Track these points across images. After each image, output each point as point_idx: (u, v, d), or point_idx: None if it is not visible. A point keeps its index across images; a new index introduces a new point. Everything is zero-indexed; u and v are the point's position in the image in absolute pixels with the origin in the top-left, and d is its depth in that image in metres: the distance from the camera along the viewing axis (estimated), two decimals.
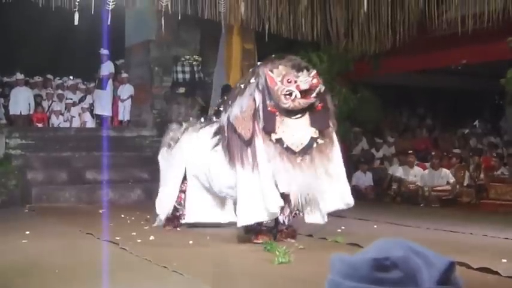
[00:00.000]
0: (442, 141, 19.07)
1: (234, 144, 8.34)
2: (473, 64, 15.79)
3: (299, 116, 8.27)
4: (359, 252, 1.18)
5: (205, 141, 9.32)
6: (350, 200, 8.46)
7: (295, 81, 8.09)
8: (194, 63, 17.67)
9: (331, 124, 8.51)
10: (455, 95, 21.09)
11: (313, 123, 8.30)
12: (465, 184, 14.93)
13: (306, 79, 8.12)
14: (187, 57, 17.80)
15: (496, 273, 6.31)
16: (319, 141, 8.28)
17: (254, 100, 8.31)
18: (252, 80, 8.40)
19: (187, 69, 17.59)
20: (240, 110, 8.29)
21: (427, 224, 10.41)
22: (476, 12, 13.78)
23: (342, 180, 8.48)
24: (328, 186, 8.28)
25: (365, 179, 16.00)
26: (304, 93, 8.10)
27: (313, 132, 8.27)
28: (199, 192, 9.76)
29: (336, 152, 8.49)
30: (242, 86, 8.49)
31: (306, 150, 8.21)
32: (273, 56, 8.73)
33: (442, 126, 21.07)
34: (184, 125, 10.37)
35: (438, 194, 14.37)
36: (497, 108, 21.23)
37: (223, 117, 8.66)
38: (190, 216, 9.82)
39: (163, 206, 9.95)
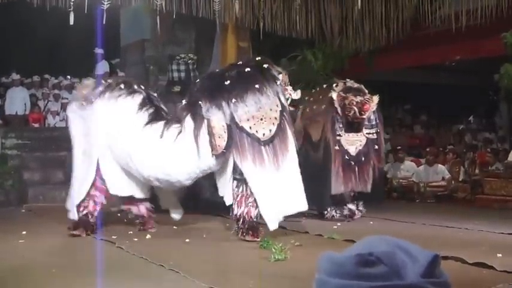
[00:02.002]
0: (438, 137, 19.15)
1: (245, 145, 8.34)
2: (467, 60, 15.84)
3: None
4: (345, 250, 1.21)
5: (128, 115, 8.90)
6: None
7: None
8: (189, 61, 17.65)
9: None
10: (450, 91, 21.12)
11: None
12: (460, 179, 14.99)
13: (297, 91, 9.01)
14: (183, 55, 17.77)
15: (491, 267, 6.36)
16: None
17: (280, 100, 8.54)
18: (278, 82, 8.65)
19: (182, 67, 17.57)
20: (255, 108, 8.37)
21: (423, 219, 10.45)
22: (470, 9, 13.83)
23: None
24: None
25: None
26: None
27: None
28: (114, 164, 9.15)
29: None
30: (257, 86, 8.47)
31: None
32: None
33: (437, 122, 21.13)
34: (101, 87, 9.37)
35: (433, 190, 14.42)
36: (492, 104, 21.29)
37: (216, 113, 8.43)
38: (113, 187, 9.23)
39: (76, 188, 9.23)
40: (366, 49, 16.36)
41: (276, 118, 8.44)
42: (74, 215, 9.02)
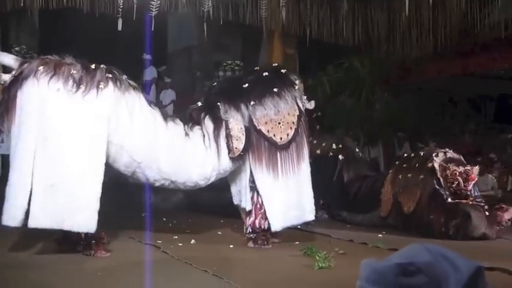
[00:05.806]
0: (485, 146, 18.88)
1: (261, 148, 8.39)
2: None
3: None
4: (387, 258, 1.21)
5: (144, 109, 7.87)
6: None
7: None
8: (236, 68, 17.78)
9: None
10: (498, 100, 20.81)
11: None
12: (508, 189, 14.75)
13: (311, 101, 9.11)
14: (229, 62, 17.93)
15: None
16: None
17: (298, 105, 8.61)
18: (296, 87, 8.73)
19: (228, 74, 17.69)
20: (274, 112, 8.43)
21: None
22: None
23: None
24: None
25: None
26: None
27: None
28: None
29: None
30: (275, 89, 8.54)
31: None
32: None
33: (485, 131, 20.86)
34: (100, 72, 7.72)
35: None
36: None
37: (234, 115, 8.37)
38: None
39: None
40: (412, 56, 16.21)
41: (293, 123, 8.51)
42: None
